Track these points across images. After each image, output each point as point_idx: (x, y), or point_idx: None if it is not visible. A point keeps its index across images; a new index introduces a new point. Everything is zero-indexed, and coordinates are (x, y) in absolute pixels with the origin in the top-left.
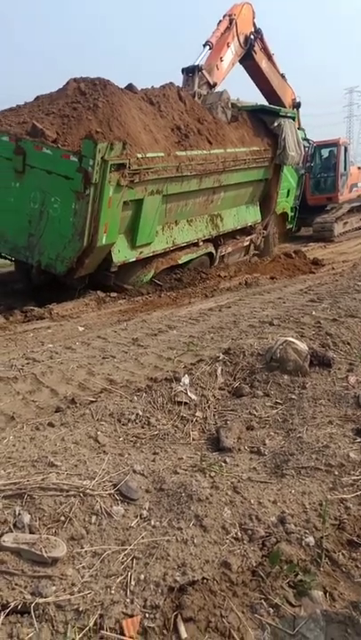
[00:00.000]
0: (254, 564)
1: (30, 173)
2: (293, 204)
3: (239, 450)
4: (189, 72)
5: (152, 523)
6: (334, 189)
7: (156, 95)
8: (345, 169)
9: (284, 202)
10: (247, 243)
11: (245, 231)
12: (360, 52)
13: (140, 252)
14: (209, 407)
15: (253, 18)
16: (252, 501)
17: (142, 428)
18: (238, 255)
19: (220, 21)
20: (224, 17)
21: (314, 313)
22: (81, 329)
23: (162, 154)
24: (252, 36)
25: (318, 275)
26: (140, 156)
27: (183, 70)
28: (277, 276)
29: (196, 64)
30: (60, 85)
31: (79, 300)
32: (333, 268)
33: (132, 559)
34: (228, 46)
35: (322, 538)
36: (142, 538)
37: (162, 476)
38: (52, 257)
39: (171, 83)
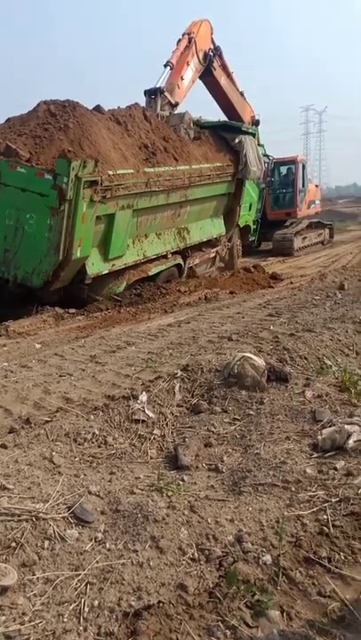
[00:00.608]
0: (211, 585)
1: (4, 192)
2: (255, 218)
3: (197, 467)
4: (152, 94)
5: (107, 546)
6: (293, 205)
7: (123, 115)
8: (303, 185)
9: (247, 215)
10: (213, 254)
11: (211, 243)
12: (314, 71)
13: (113, 265)
14: (167, 424)
15: (212, 34)
16: (209, 520)
17: (99, 447)
18: (205, 266)
19: (180, 40)
20: (183, 35)
21: (272, 327)
22: (38, 346)
23: (131, 170)
24: (211, 53)
25: (277, 289)
26: (111, 172)
27: (145, 92)
28: (237, 291)
29: (158, 86)
30: (30, 108)
31: (36, 317)
32: (292, 283)
33: (85, 585)
34: (188, 64)
35: (279, 556)
36: (97, 562)
37: (118, 496)
38: (27, 271)
39: (136, 103)
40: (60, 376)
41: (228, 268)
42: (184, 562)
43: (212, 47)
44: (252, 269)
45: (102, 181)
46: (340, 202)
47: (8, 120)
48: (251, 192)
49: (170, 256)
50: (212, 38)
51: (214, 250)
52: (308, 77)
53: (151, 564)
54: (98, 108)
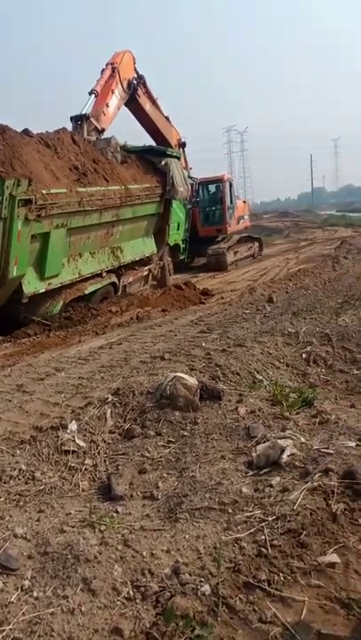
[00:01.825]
0: (148, 625)
1: None
2: (184, 237)
3: (132, 496)
4: (78, 120)
5: (35, 594)
6: (223, 221)
7: (52, 139)
8: (231, 202)
9: (176, 234)
10: (146, 272)
11: (143, 262)
12: (234, 93)
13: (49, 283)
14: (99, 453)
15: (134, 64)
16: (144, 554)
17: (26, 484)
18: (138, 284)
19: (104, 69)
20: (107, 65)
21: (204, 344)
22: None
23: (64, 190)
24: (134, 81)
25: (208, 305)
26: (44, 191)
27: (72, 118)
28: (169, 309)
29: (84, 112)
30: None
31: None
32: (222, 298)
33: None
34: (113, 92)
35: (218, 584)
36: (23, 614)
37: (47, 537)
38: None
39: (64, 128)
40: None
41: (160, 285)
42: (119, 602)
43: (135, 76)
44: (184, 286)
45: (36, 200)
46: (266, 217)
47: None
48: (178, 212)
49: (104, 275)
50: (135, 67)
51: (147, 268)
52: (229, 100)
53: (83, 609)
54: (26, 132)
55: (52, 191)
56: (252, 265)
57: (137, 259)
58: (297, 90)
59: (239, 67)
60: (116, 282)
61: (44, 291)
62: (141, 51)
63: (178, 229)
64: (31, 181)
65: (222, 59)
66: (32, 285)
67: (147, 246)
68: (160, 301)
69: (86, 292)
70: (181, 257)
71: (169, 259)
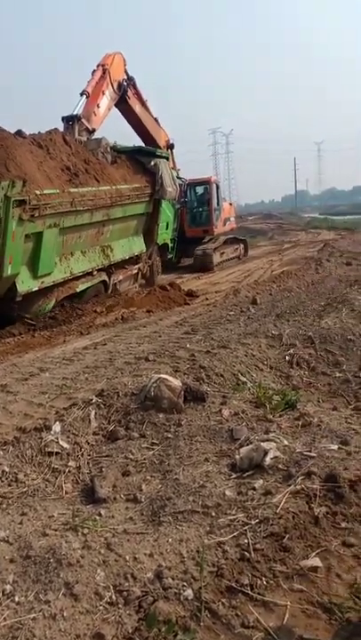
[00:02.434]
0: (130, 631)
1: None
2: (172, 236)
3: (115, 499)
4: (69, 120)
5: (16, 599)
6: (209, 223)
7: (44, 139)
8: (218, 204)
9: (164, 234)
10: (135, 271)
11: (133, 261)
12: (220, 95)
13: (42, 282)
14: (83, 455)
15: (125, 65)
16: (127, 558)
17: (9, 486)
18: (128, 283)
19: (95, 71)
20: (98, 66)
21: (188, 345)
22: None
23: (57, 191)
24: (125, 83)
25: (193, 306)
26: (38, 192)
27: (63, 119)
28: (153, 309)
29: (75, 113)
30: None
31: None
32: (207, 299)
33: None
34: (104, 94)
35: (200, 589)
36: (4, 619)
37: (29, 540)
38: None
39: (56, 128)
40: None
41: (148, 284)
42: (101, 607)
43: (125, 77)
44: (169, 287)
45: (30, 201)
46: (250, 218)
47: None
48: (167, 212)
49: (95, 273)
50: (125, 69)
51: (136, 267)
52: (214, 102)
53: (65, 614)
54: (19, 133)
55: (45, 192)
56: (236, 266)
57: (127, 257)
58: (281, 93)
59: (224, 68)
60: (107, 280)
61: (37, 289)
62: (126, 48)
63: (167, 229)
64: (25, 182)
65: (208, 60)
66: (26, 284)
67: (136, 245)
68: (145, 302)
69: (78, 290)
70: (170, 256)
71: (158, 258)
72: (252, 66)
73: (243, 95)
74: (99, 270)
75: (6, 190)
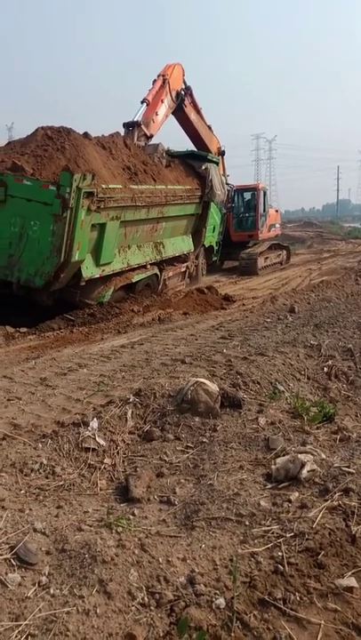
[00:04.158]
0: (162, 634)
1: (11, 202)
2: (218, 239)
3: (148, 500)
4: (130, 126)
5: (51, 591)
6: (255, 228)
7: (107, 142)
8: (264, 210)
9: (211, 236)
10: (184, 269)
11: (181, 259)
12: (263, 101)
13: (103, 270)
14: (118, 453)
15: (183, 76)
16: (160, 560)
17: (46, 478)
18: (177, 279)
19: (155, 80)
20: (158, 76)
21: (225, 351)
22: None
23: (120, 186)
24: (182, 92)
25: (229, 311)
26: (104, 186)
27: (124, 125)
28: (190, 312)
29: (135, 120)
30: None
31: None
32: (244, 305)
33: (26, 637)
34: (163, 102)
35: (233, 598)
36: (40, 610)
37: (65, 534)
38: (30, 272)
39: (117, 132)
40: (8, 400)
41: (193, 283)
42: (133, 608)
43: (183, 87)
44: (206, 290)
45: (97, 193)
46: (290, 226)
47: (9, 143)
48: (215, 216)
49: (149, 267)
50: (183, 79)
51: (185, 265)
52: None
53: (98, 611)
54: (86, 135)
55: (110, 186)
56: (274, 273)
57: (176, 254)
58: (327, 102)
59: (273, 77)
60: (158, 274)
61: (98, 276)
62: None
63: (213, 232)
64: (94, 176)
65: (257, 69)
66: (89, 270)
67: (185, 244)
68: (182, 304)
69: (133, 280)
70: (214, 258)
71: (204, 260)
72: (297, 77)
73: (289, 103)
74: (152, 264)
75: (78, 182)
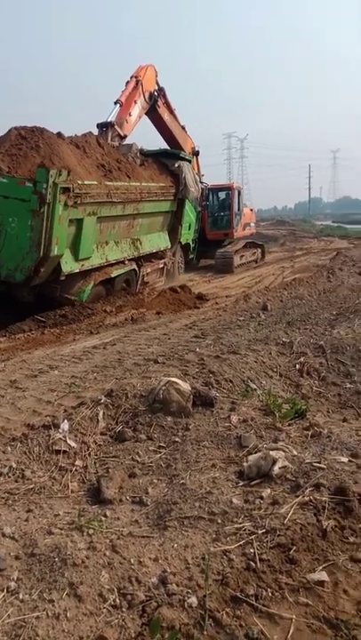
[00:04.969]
0: (133, 635)
1: None
2: (194, 237)
3: (120, 501)
4: (103, 127)
5: (20, 596)
6: (230, 226)
7: (80, 141)
8: (239, 209)
9: (187, 234)
10: (162, 265)
11: (159, 256)
12: (234, 101)
13: (82, 265)
14: (90, 455)
15: (156, 77)
16: (132, 561)
17: (16, 482)
18: (155, 275)
19: (128, 82)
20: (131, 78)
21: (198, 350)
22: None
23: (95, 182)
24: (155, 93)
25: (203, 310)
26: (79, 182)
27: (98, 125)
28: (163, 311)
29: (109, 120)
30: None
31: None
32: (217, 303)
33: None
34: (136, 103)
35: (205, 597)
36: (8, 616)
37: (35, 538)
38: (11, 268)
39: (90, 132)
40: None
41: (170, 280)
42: (105, 610)
43: (156, 88)
44: (179, 289)
45: (74, 189)
46: (263, 224)
47: None
48: (190, 213)
49: (127, 262)
50: (156, 80)
51: (162, 261)
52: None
53: (69, 614)
54: (59, 134)
55: (85, 182)
56: (247, 272)
57: (153, 251)
58: (299, 101)
59: (245, 77)
60: (137, 270)
61: (78, 271)
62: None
63: (189, 229)
64: (70, 172)
65: (230, 69)
66: (68, 265)
67: (162, 241)
68: (155, 304)
69: (112, 275)
70: (191, 256)
71: (181, 257)
72: (270, 77)
73: (260, 103)
74: (130, 260)
75: (54, 177)
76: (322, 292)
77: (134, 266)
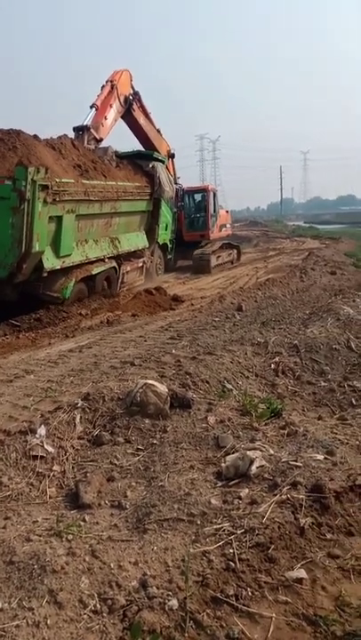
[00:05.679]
0: None
1: None
2: (171, 237)
3: (99, 505)
4: (79, 130)
5: None
6: (206, 228)
7: (56, 143)
8: (214, 211)
9: (164, 234)
10: (141, 264)
11: (138, 255)
12: (208, 103)
13: (63, 262)
14: (67, 459)
15: (131, 81)
16: (111, 565)
17: None
18: (135, 274)
19: (104, 86)
20: (106, 82)
21: (174, 351)
22: None
23: (72, 180)
24: (130, 97)
25: (178, 311)
26: (57, 180)
27: (74, 129)
28: (139, 313)
29: (85, 124)
30: None
31: None
32: (192, 304)
33: None
34: (111, 107)
35: (185, 599)
36: None
37: (12, 546)
38: None
39: (65, 134)
40: None
41: (149, 279)
42: (85, 616)
43: (131, 92)
44: (154, 291)
45: (52, 186)
46: (236, 225)
47: None
48: (166, 214)
49: (107, 260)
50: (131, 85)
51: (141, 260)
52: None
53: (49, 622)
54: (35, 137)
55: (63, 180)
56: (222, 273)
57: (132, 250)
58: (269, 103)
59: (217, 78)
60: (117, 268)
61: (59, 267)
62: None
63: (166, 230)
64: (47, 170)
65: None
66: (50, 262)
67: (140, 240)
68: (130, 306)
69: (93, 272)
70: (169, 257)
71: (160, 258)
72: (239, 77)
73: (231, 103)
74: (109, 258)
75: (33, 175)
76: (295, 292)
77: (114, 264)
